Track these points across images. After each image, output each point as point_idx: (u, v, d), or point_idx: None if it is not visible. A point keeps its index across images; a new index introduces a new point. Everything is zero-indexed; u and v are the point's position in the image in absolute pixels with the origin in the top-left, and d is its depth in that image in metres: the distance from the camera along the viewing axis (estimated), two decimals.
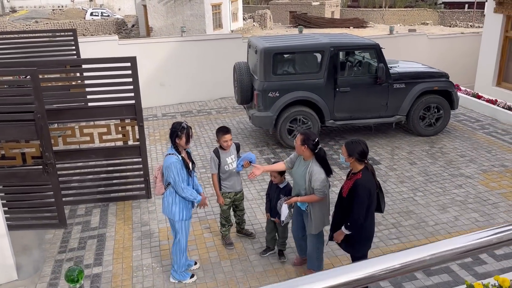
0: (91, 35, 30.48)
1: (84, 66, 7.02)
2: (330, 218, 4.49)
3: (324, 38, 8.35)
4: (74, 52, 9.27)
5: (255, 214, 6.08)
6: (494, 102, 9.79)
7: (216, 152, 5.07)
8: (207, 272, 4.98)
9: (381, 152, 8.00)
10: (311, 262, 4.74)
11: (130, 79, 6.07)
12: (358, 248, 4.04)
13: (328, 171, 4.30)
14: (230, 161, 5.07)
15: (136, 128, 6.28)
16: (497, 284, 4.01)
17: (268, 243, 5.18)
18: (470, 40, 13.26)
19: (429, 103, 8.37)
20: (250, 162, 5.11)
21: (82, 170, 6.43)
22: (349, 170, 4.12)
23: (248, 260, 5.16)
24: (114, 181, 6.62)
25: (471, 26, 34.11)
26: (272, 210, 4.91)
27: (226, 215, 5.26)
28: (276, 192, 4.85)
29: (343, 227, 3.95)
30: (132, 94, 6.13)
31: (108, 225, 5.97)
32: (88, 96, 6.19)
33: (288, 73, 8.12)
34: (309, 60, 8.18)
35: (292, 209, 4.67)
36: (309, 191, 4.33)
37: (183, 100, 11.65)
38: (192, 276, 4.86)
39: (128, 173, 6.70)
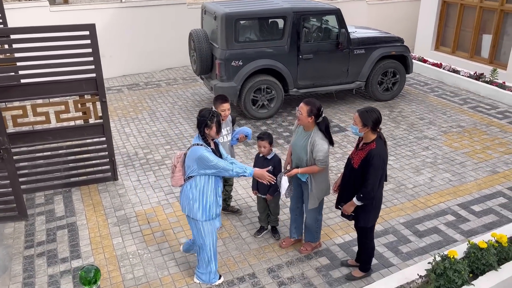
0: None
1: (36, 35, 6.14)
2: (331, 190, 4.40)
3: (284, 3, 8.07)
4: (0, 20, 8.16)
5: (236, 190, 5.83)
6: (439, 65, 10.23)
7: None
8: None
9: (345, 119, 8.05)
10: (310, 235, 4.65)
11: (90, 50, 5.43)
12: (369, 218, 3.98)
13: (331, 141, 4.16)
14: (225, 132, 4.75)
15: (98, 104, 5.68)
16: (494, 240, 4.20)
17: (262, 222, 4.97)
18: (409, 6, 13.65)
19: (387, 68, 8.51)
20: (246, 136, 4.84)
21: (39, 154, 5.73)
22: (358, 139, 3.99)
23: (241, 237, 4.95)
24: (76, 164, 5.99)
25: None
26: (259, 186, 4.67)
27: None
28: (264, 164, 4.60)
29: (354, 199, 3.85)
30: (93, 67, 5.49)
31: (76, 213, 5.41)
32: (41, 70, 5.42)
33: (251, 40, 7.78)
34: (271, 27, 7.89)
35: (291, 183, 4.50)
36: (310, 162, 4.18)
37: (127, 72, 10.85)
38: (220, 276, 4.34)
39: (91, 155, 6.10)
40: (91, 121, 5.83)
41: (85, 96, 5.72)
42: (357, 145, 3.93)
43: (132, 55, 10.74)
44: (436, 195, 5.63)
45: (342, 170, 4.22)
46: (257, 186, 4.69)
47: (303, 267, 4.48)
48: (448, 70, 9.96)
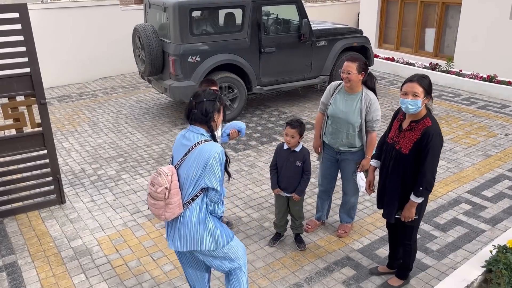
0: None
1: None
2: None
3: None
4: None
5: None
6: (392, 59, 10.06)
7: None
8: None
9: (315, 116, 7.40)
10: (348, 215, 4.20)
11: (21, 37, 4.24)
12: (420, 214, 3.23)
13: None
14: None
15: (36, 108, 4.47)
16: None
17: (279, 229, 4.06)
18: (346, 8, 13.59)
19: None
20: (239, 131, 3.93)
21: None
22: (396, 120, 3.22)
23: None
24: (8, 188, 4.67)
25: None
26: (282, 182, 3.80)
27: None
28: (289, 158, 3.74)
29: (413, 197, 3.05)
30: (26, 59, 4.31)
31: (16, 250, 4.11)
32: None
33: (208, 33, 6.90)
34: (229, 17, 7.08)
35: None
36: (358, 129, 3.75)
37: (55, 84, 9.39)
38: None
39: (28, 174, 4.81)
40: (27, 130, 4.58)
41: (17, 98, 4.47)
42: (399, 125, 3.18)
43: (60, 64, 9.32)
44: (441, 184, 5.10)
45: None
46: (278, 182, 3.82)
47: (328, 283, 3.63)
48: (402, 63, 9.80)
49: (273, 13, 7.55)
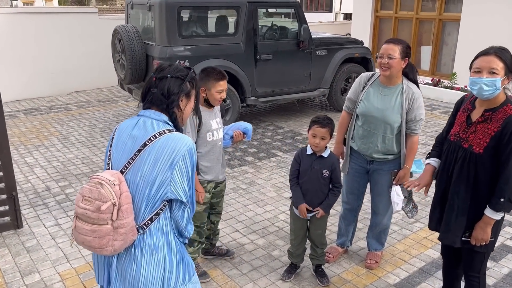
0: None
1: None
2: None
3: None
4: None
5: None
6: None
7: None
8: None
9: None
10: (380, 240, 3.43)
11: None
12: (496, 236, 2.44)
13: None
14: (216, 126, 2.99)
15: None
16: None
17: (295, 259, 3.20)
18: (338, 28, 13.20)
19: (351, 72, 7.40)
20: (244, 134, 3.14)
21: None
22: (462, 111, 2.47)
23: None
24: None
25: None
26: (306, 196, 2.96)
27: (201, 221, 3.07)
28: (315, 166, 2.91)
29: (489, 212, 2.27)
30: None
31: None
32: None
33: (198, 35, 6.15)
34: (222, 19, 6.37)
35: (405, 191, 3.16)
36: (397, 131, 3.01)
37: (22, 97, 8.43)
38: None
39: None
40: None
41: None
42: (467, 117, 2.42)
43: (29, 75, 8.40)
44: None
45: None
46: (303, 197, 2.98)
47: None
48: None
49: (269, 16, 6.89)
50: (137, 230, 1.73)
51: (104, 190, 1.65)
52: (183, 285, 1.85)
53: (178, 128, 1.85)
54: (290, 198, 3.15)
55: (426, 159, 2.66)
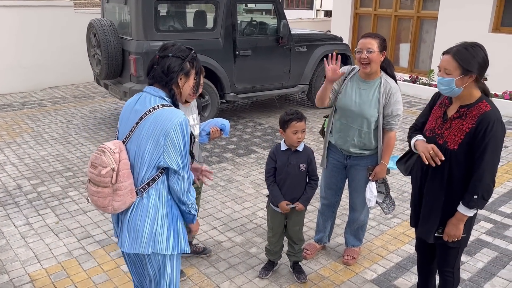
0: None
1: None
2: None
3: None
4: None
5: None
6: None
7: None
8: None
9: None
10: (357, 237, 3.41)
11: None
12: (470, 231, 2.44)
13: None
14: (192, 122, 2.92)
15: None
16: None
17: (273, 256, 3.16)
18: (316, 24, 13.22)
19: None
20: (221, 130, 3.08)
21: None
22: (438, 106, 2.46)
23: None
24: None
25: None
26: (285, 190, 2.92)
27: None
28: (292, 161, 2.88)
29: (462, 208, 2.26)
30: None
31: None
32: None
33: (176, 29, 6.06)
34: (200, 14, 6.28)
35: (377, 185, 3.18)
36: (374, 126, 2.99)
37: None
38: None
39: None
40: None
41: None
42: (444, 113, 2.41)
43: (1, 70, 8.14)
44: None
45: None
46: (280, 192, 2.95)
47: None
48: None
49: (247, 11, 6.83)
50: (136, 193, 1.97)
51: (105, 157, 1.90)
52: (172, 257, 2.07)
53: (175, 104, 2.03)
54: (267, 196, 3.11)
55: (411, 139, 2.49)
